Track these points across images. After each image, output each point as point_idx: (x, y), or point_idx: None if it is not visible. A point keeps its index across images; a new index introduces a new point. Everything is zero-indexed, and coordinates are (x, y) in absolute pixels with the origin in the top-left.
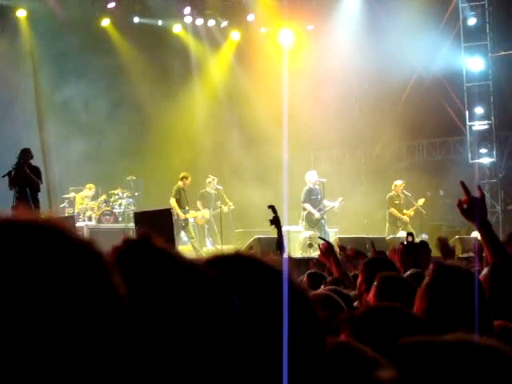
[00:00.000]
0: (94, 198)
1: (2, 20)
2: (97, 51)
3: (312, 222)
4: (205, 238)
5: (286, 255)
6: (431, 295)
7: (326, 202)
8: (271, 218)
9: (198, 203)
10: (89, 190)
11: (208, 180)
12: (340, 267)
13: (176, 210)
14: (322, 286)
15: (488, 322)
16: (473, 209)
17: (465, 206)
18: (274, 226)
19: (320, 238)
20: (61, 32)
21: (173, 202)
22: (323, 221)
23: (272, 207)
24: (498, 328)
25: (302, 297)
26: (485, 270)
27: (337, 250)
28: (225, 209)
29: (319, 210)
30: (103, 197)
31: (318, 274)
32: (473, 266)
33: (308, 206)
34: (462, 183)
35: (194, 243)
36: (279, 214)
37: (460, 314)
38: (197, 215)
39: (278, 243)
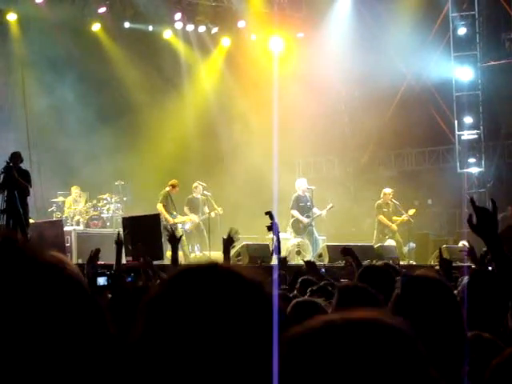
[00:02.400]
0: (82, 200)
1: None
2: (87, 55)
3: (299, 230)
4: (194, 244)
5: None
6: (400, 307)
7: (315, 209)
8: (269, 224)
9: (186, 209)
10: (74, 192)
11: (194, 185)
12: (322, 278)
13: (164, 215)
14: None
15: (460, 330)
16: (483, 224)
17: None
18: (271, 232)
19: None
20: (51, 36)
21: (160, 207)
22: (312, 228)
23: (269, 213)
24: (471, 337)
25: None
26: (464, 280)
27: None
28: (212, 214)
29: (307, 217)
30: (81, 197)
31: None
32: (461, 276)
33: (296, 213)
34: (472, 200)
35: (184, 248)
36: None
37: (430, 322)
38: (185, 220)
39: (276, 249)
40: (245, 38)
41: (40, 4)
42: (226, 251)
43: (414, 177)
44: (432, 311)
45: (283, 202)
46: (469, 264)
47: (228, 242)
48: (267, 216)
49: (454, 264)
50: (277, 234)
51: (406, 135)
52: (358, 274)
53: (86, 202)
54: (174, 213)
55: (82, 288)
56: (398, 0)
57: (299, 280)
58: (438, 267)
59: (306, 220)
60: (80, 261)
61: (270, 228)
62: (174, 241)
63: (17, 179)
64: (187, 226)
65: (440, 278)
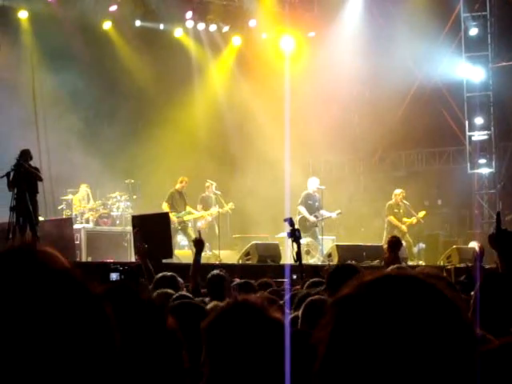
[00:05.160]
0: (89, 197)
1: (4, 21)
2: (98, 54)
3: (305, 228)
4: (204, 243)
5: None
6: None
7: (323, 211)
8: (289, 231)
9: (199, 207)
10: (83, 190)
11: (206, 184)
12: None
13: None
14: None
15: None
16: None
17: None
18: (292, 239)
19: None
20: (62, 34)
21: (165, 206)
22: (317, 228)
23: (290, 220)
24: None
25: None
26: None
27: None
28: (224, 209)
29: (315, 217)
30: (83, 191)
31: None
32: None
33: (303, 210)
34: (498, 214)
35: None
36: (280, 220)
37: None
38: (197, 216)
39: (297, 255)
40: (256, 36)
41: (51, 2)
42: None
43: (425, 177)
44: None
45: (293, 202)
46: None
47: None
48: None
49: (463, 265)
50: (297, 240)
51: (416, 136)
52: (329, 272)
53: (92, 199)
54: (188, 209)
55: (88, 293)
56: (409, 0)
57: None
58: (449, 267)
59: (312, 219)
60: (90, 259)
61: (290, 235)
62: (199, 245)
63: (28, 170)
64: (199, 224)
65: (442, 274)
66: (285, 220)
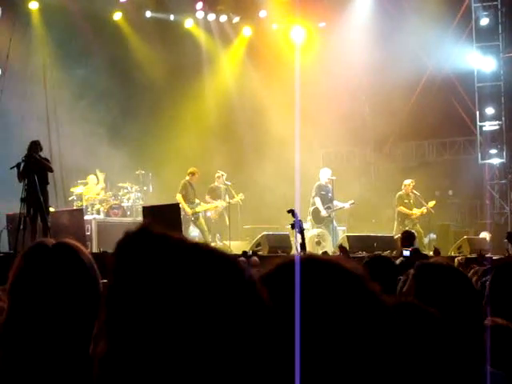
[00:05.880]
0: (100, 186)
1: (15, 12)
2: (108, 45)
3: (319, 219)
4: (215, 233)
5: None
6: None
7: (336, 202)
8: (292, 222)
9: (207, 197)
10: (94, 179)
11: (217, 175)
12: None
13: (183, 205)
14: None
15: (477, 317)
16: None
17: None
18: (295, 230)
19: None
20: (73, 25)
21: (179, 197)
22: (331, 218)
23: (292, 211)
24: (492, 324)
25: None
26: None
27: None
28: (234, 200)
29: (328, 208)
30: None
31: None
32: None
33: (318, 201)
34: None
35: (207, 236)
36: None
37: (446, 310)
38: (209, 208)
39: (302, 245)
40: (266, 27)
41: None
42: None
43: (435, 168)
44: (447, 299)
45: (304, 192)
46: (490, 255)
47: None
48: (290, 214)
49: (475, 255)
50: (300, 231)
51: (427, 126)
52: (364, 263)
53: (100, 183)
54: (197, 201)
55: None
56: None
57: None
58: (460, 257)
59: (324, 212)
60: (101, 250)
61: (293, 226)
62: None
63: (39, 161)
64: (209, 214)
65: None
66: (288, 211)
